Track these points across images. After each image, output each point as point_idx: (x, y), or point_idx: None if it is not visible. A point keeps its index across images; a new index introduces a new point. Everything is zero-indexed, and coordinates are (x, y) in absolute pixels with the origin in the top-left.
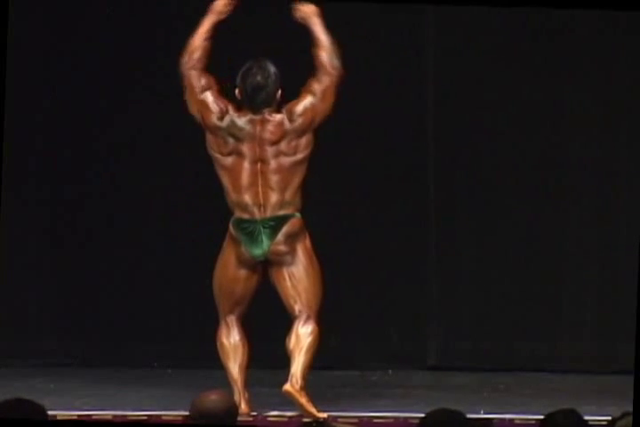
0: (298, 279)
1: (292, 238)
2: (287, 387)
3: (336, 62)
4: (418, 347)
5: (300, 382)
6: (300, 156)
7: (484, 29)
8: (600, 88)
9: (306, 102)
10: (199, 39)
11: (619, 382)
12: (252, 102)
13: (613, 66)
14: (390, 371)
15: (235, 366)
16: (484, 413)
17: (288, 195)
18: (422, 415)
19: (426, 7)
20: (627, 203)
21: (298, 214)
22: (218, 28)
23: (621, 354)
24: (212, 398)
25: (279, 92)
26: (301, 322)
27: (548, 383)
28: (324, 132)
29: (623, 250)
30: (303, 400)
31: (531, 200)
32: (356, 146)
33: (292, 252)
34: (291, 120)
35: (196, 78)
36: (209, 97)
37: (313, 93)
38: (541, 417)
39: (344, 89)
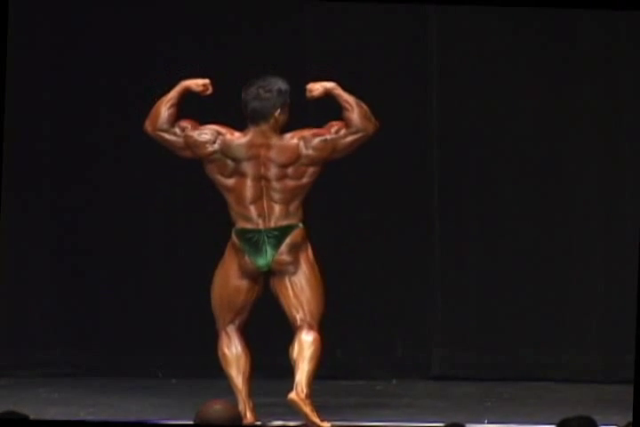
0: (300, 289)
1: (295, 249)
2: (292, 396)
3: (366, 122)
4: (422, 357)
5: (305, 390)
6: (305, 180)
7: (487, 30)
8: (602, 89)
9: (327, 138)
10: (164, 106)
11: (623, 392)
12: (248, 113)
13: (615, 66)
14: (395, 381)
15: (238, 376)
16: (488, 422)
17: (292, 207)
18: (426, 425)
19: (428, 7)
20: (632, 213)
21: (301, 225)
22: (185, 97)
23: (626, 364)
24: (217, 408)
25: (279, 109)
26: (304, 331)
27: (553, 393)
28: None
29: (628, 260)
30: (307, 410)
31: (534, 211)
32: (358, 153)
33: (295, 262)
34: (306, 147)
35: (167, 135)
36: (192, 136)
37: (339, 135)
38: None
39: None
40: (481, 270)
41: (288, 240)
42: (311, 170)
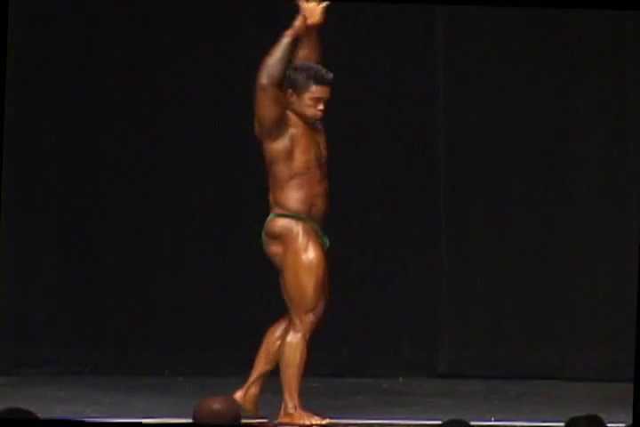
0: (286, 285)
1: (275, 240)
2: (282, 418)
3: (259, 77)
4: (429, 354)
5: (289, 405)
6: (269, 161)
7: (491, 30)
8: (606, 88)
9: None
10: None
11: (629, 390)
12: None
13: (618, 66)
14: (401, 379)
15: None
16: (495, 420)
17: (275, 195)
18: (433, 423)
19: (434, 7)
20: (634, 213)
21: (273, 215)
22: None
23: (630, 362)
24: (217, 408)
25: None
26: (287, 331)
27: (558, 391)
28: (334, 134)
29: (630, 259)
30: (305, 420)
31: (538, 211)
32: (366, 150)
33: (282, 255)
34: None
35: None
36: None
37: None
38: (551, 425)
39: (351, 91)
40: (487, 269)
41: (264, 230)
42: (265, 149)
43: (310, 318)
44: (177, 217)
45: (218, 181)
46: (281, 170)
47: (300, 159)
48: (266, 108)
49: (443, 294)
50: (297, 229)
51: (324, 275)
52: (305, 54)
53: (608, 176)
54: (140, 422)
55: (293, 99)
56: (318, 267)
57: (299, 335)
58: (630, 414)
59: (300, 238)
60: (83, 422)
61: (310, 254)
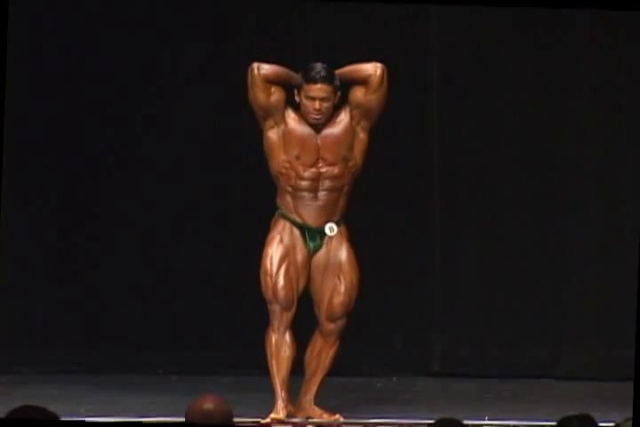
0: None
1: None
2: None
3: (255, 63)
4: (422, 353)
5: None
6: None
7: (489, 31)
8: (602, 88)
9: None
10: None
11: (623, 389)
12: None
13: (615, 66)
14: (395, 378)
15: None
16: (488, 419)
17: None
18: (426, 422)
19: (429, 7)
20: (632, 210)
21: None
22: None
23: (625, 360)
24: (208, 407)
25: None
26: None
27: (553, 390)
28: None
29: (627, 257)
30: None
31: (533, 209)
32: None
33: None
34: None
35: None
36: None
37: None
38: (545, 424)
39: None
40: (480, 268)
41: None
42: None
43: (274, 307)
44: (176, 217)
45: (218, 180)
46: (270, 166)
47: (280, 157)
48: (248, 88)
49: (436, 293)
50: (274, 224)
51: (279, 269)
52: None
53: (606, 176)
54: (136, 422)
55: (299, 99)
56: (275, 261)
57: (270, 327)
58: (623, 412)
59: (270, 233)
60: (83, 422)
61: (268, 249)
